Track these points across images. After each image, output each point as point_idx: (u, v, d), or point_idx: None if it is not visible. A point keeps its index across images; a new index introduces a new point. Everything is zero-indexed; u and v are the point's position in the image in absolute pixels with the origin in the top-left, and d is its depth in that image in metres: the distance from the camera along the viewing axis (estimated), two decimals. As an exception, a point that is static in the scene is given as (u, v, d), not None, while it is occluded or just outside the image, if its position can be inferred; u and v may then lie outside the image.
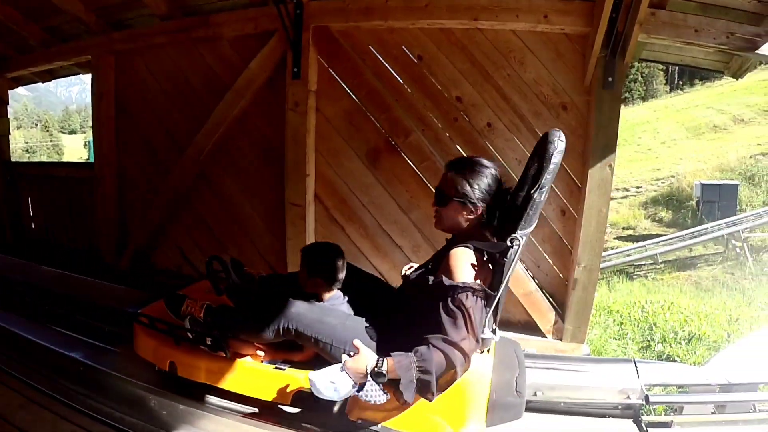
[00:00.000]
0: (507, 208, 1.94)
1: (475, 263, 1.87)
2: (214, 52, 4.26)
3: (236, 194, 4.30)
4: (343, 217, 3.88)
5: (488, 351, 2.09)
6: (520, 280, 3.43)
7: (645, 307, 7.15)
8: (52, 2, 4.68)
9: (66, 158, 35.88)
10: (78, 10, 4.67)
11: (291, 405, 2.21)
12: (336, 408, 2.18)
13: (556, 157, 1.81)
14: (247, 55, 4.03)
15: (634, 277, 12.51)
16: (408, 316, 2.01)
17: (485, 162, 2.05)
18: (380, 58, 3.69)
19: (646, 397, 2.50)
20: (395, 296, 2.31)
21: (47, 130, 46.26)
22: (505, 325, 3.52)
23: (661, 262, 13.22)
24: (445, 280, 1.83)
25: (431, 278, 1.91)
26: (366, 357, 1.77)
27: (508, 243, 1.79)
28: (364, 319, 2.10)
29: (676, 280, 12.23)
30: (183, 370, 2.41)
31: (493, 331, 1.99)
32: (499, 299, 1.87)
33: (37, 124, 46.08)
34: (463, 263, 1.88)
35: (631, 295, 9.05)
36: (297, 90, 3.74)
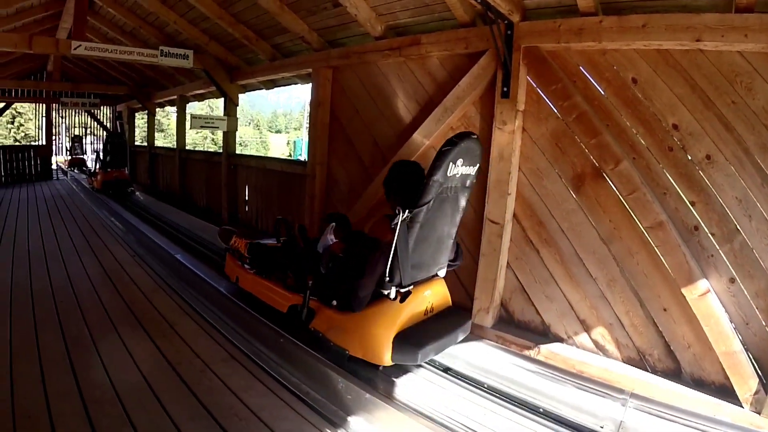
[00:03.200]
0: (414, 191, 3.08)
1: (383, 230, 3.22)
2: (423, 69, 4.92)
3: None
4: (539, 240, 4.12)
5: (399, 300, 3.20)
6: (722, 336, 3.27)
7: None
8: (282, 24, 5.89)
9: (271, 154, 45.34)
10: (302, 31, 5.88)
11: (285, 313, 3.85)
12: (303, 317, 3.61)
13: (443, 154, 2.97)
14: (456, 73, 4.58)
15: None
16: None
17: (402, 164, 3.62)
18: (591, 80, 3.83)
19: None
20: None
21: (258, 129, 56.71)
22: (698, 384, 3.44)
23: None
24: (361, 235, 3.59)
25: None
26: None
27: (397, 212, 2.99)
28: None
29: None
30: (241, 282, 4.54)
31: (399, 284, 3.14)
32: (395, 258, 3.05)
33: (250, 123, 56.65)
34: (375, 226, 3.50)
35: None
36: (505, 109, 4.11)
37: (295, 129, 57.43)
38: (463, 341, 3.81)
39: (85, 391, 2.98)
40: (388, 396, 3.04)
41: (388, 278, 3.09)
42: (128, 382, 3.10)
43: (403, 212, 2.97)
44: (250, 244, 4.55)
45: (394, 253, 3.04)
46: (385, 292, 3.17)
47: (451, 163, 3.00)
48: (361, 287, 3.23)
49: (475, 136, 3.21)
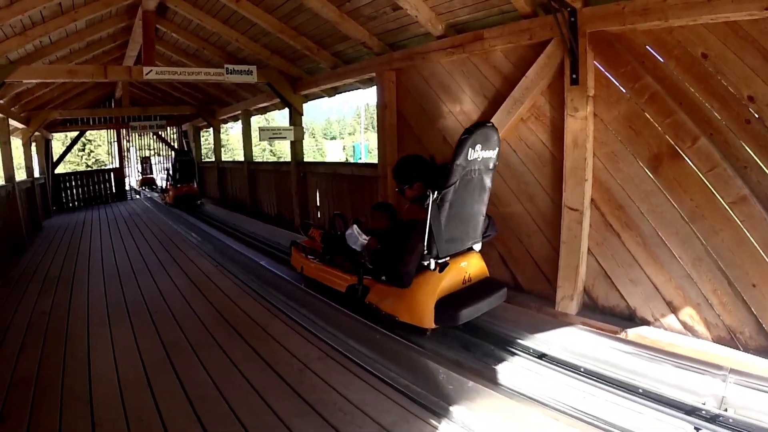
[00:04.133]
0: (439, 174, 3.59)
1: (417, 211, 3.80)
2: (488, 64, 5.10)
3: (507, 195, 5.00)
4: (619, 224, 4.19)
5: (438, 270, 3.70)
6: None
7: None
8: (342, 32, 6.24)
9: (327, 159, 48.39)
10: (363, 36, 6.18)
11: (344, 292, 4.48)
12: (359, 294, 4.23)
13: (462, 141, 3.47)
14: (522, 64, 4.72)
15: None
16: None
17: (409, 158, 4.27)
18: (660, 59, 3.85)
19: None
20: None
21: (313, 136, 59.93)
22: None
23: None
24: (400, 220, 4.14)
25: None
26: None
27: (428, 194, 3.51)
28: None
29: None
30: (306, 271, 5.24)
31: (436, 256, 3.64)
32: (430, 234, 3.55)
33: (305, 132, 59.06)
34: (409, 212, 4.01)
35: None
36: (576, 96, 4.21)
37: (350, 134, 59.76)
38: (554, 327, 3.99)
39: (189, 390, 3.22)
40: (491, 383, 3.13)
41: (426, 251, 3.62)
42: (229, 381, 3.31)
43: (433, 193, 3.49)
44: (324, 233, 5.36)
45: (429, 230, 3.56)
46: (425, 264, 3.67)
47: (470, 149, 3.52)
48: (406, 264, 3.74)
49: (490, 124, 3.71)
